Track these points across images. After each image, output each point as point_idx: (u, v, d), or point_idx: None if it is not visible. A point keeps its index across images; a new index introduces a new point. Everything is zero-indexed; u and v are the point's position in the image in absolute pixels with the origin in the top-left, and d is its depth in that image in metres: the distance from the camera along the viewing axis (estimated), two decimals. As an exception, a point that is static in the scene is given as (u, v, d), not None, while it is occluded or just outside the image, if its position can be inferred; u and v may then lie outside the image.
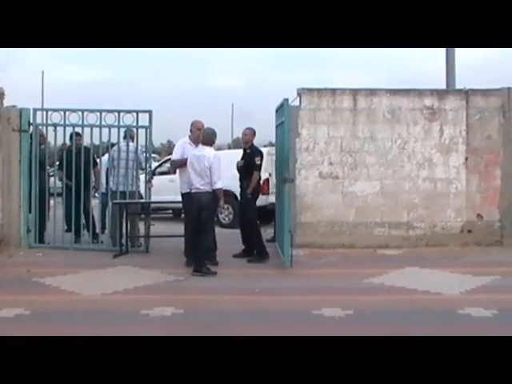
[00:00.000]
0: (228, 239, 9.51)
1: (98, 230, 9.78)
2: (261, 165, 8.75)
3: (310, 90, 9.78)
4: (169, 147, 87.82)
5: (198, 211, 7.76)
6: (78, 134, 9.54)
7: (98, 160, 9.85)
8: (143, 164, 9.58)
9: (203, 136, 7.92)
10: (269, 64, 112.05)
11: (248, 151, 8.83)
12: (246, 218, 8.77)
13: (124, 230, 9.16)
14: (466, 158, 9.80)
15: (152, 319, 5.62)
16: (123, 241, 9.12)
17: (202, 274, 7.53)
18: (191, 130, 8.49)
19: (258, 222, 8.96)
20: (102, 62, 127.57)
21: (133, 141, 9.50)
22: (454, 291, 6.81)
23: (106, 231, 9.79)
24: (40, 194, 9.38)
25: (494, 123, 9.81)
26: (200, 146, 7.88)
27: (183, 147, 8.45)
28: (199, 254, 7.71)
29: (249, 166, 8.67)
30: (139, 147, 9.54)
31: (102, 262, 8.39)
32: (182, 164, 8.28)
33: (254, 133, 8.98)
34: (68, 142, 9.65)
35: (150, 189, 9.39)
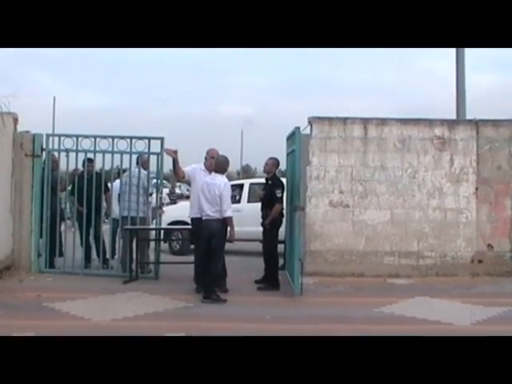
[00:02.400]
0: (237, 267, 9.51)
1: (108, 255, 9.81)
2: (282, 197, 8.69)
3: (321, 119, 9.87)
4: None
5: (208, 238, 7.79)
6: (90, 161, 9.62)
7: (109, 185, 9.92)
8: (149, 190, 9.61)
9: (216, 164, 7.98)
10: (278, 92, 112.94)
11: (269, 182, 8.80)
12: (265, 248, 8.77)
13: (134, 256, 9.18)
14: (477, 188, 9.81)
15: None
16: (133, 267, 9.13)
17: (211, 300, 7.52)
18: (206, 158, 8.53)
19: (277, 254, 8.92)
20: (111, 88, 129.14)
21: (145, 168, 9.56)
22: (465, 322, 6.77)
23: (116, 257, 9.81)
24: (51, 219, 9.44)
25: (503, 154, 9.84)
26: (213, 173, 7.94)
27: (195, 169, 8.54)
28: (209, 281, 7.71)
29: (270, 197, 8.65)
30: (145, 173, 9.57)
31: (112, 287, 8.40)
32: (179, 170, 8.48)
33: (276, 163, 9.00)
34: (80, 167, 9.72)
35: (160, 215, 9.43)
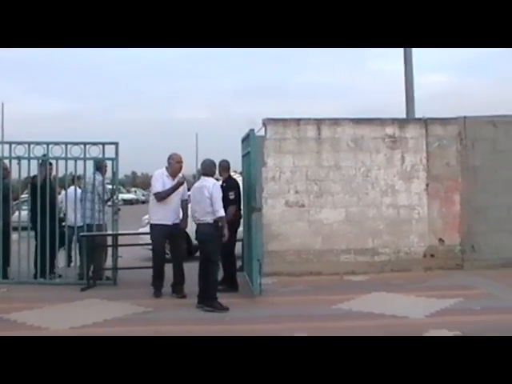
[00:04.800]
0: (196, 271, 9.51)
1: (64, 263, 9.69)
2: (236, 198, 8.70)
3: (275, 120, 9.98)
4: (133, 178, 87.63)
5: (201, 243, 7.77)
6: (49, 164, 9.48)
7: (63, 192, 9.80)
8: (102, 196, 9.50)
9: (203, 167, 7.92)
10: (232, 96, 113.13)
11: (224, 184, 8.76)
12: (222, 250, 8.77)
13: (91, 263, 9.09)
14: (427, 185, 10.09)
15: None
16: (91, 273, 9.05)
17: (213, 309, 7.32)
18: (170, 163, 8.37)
19: (235, 255, 8.95)
20: (64, 94, 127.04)
21: (102, 174, 9.47)
22: (420, 315, 6.97)
23: (73, 264, 9.69)
24: (4, 229, 9.26)
25: (452, 151, 10.16)
26: (201, 177, 7.90)
27: (163, 179, 8.31)
28: (210, 289, 7.52)
29: (224, 199, 8.64)
30: (100, 179, 9.48)
31: (70, 295, 8.31)
32: (167, 195, 8.22)
33: (226, 165, 9.00)
34: (36, 172, 9.50)
35: (117, 220, 9.37)
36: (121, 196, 41.91)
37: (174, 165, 8.36)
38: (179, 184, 8.28)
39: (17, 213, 10.08)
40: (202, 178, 7.87)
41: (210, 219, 7.57)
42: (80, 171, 9.50)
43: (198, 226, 7.73)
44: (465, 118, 10.19)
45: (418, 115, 11.58)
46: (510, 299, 7.75)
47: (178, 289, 8.22)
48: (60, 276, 9.50)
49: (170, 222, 8.26)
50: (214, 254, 7.63)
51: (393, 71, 18.39)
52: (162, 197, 8.17)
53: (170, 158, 8.42)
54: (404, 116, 12.05)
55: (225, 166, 8.96)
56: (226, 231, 7.61)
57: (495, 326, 6.30)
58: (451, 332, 6.10)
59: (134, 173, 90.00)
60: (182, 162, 8.41)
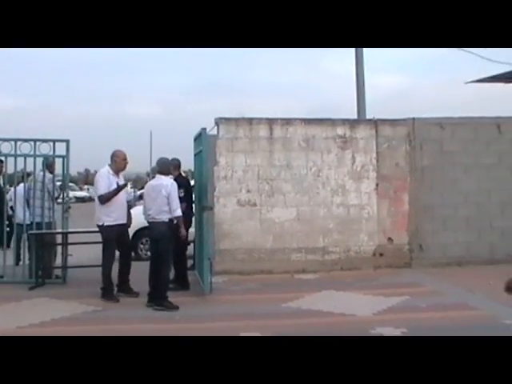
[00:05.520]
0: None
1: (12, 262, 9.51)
2: (186, 196, 8.67)
3: (228, 120, 10.02)
4: (86, 176, 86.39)
5: (155, 241, 7.74)
6: (0, 161, 9.32)
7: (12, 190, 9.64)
8: (52, 193, 9.37)
9: (159, 165, 7.89)
10: (188, 93, 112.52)
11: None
12: (174, 249, 8.77)
13: (40, 261, 8.96)
14: (377, 185, 10.29)
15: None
16: (40, 272, 8.92)
17: (163, 308, 7.31)
18: (115, 161, 8.25)
19: (186, 254, 8.95)
20: (17, 89, 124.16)
21: (51, 171, 9.34)
22: (367, 312, 7.13)
23: (21, 263, 9.53)
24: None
25: (401, 151, 10.38)
26: (157, 175, 7.86)
27: (108, 178, 8.15)
28: (160, 288, 7.50)
29: None
30: (50, 177, 9.35)
31: (17, 294, 8.19)
32: (112, 197, 8.07)
33: (177, 163, 8.95)
34: None
35: (67, 218, 9.26)
36: (73, 194, 41.47)
37: (119, 162, 8.27)
38: (121, 188, 8.21)
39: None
40: (158, 176, 7.86)
41: (165, 218, 7.58)
42: (29, 168, 9.34)
43: (152, 224, 7.72)
44: (413, 119, 10.43)
45: (376, 115, 11.71)
46: (455, 296, 8.00)
47: (126, 287, 8.18)
48: (1, 276, 9.30)
49: (123, 221, 8.23)
50: (166, 252, 7.62)
51: (348, 71, 18.64)
52: (105, 199, 8.01)
53: (113, 155, 8.29)
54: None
55: (175, 164, 8.94)
56: (182, 229, 7.74)
57: (439, 323, 6.54)
58: (397, 329, 6.28)
59: (87, 170, 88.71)
60: (126, 159, 8.34)
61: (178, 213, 7.61)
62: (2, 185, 9.49)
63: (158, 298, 7.46)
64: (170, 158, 8.53)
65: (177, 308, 7.35)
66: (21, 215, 9.35)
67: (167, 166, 7.99)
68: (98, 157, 8.14)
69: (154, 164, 8.46)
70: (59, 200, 9.70)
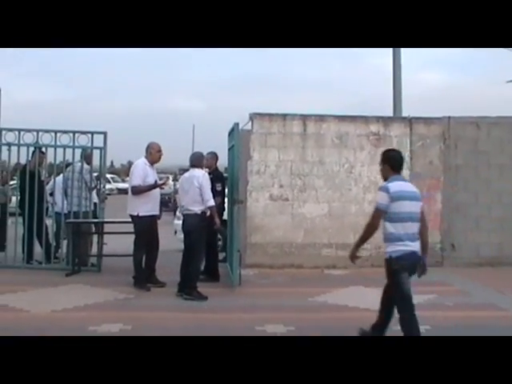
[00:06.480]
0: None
1: (52, 249, 9.85)
2: (222, 190, 8.87)
3: (262, 115, 10.15)
4: (129, 168, 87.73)
5: (187, 233, 7.90)
6: (42, 152, 9.65)
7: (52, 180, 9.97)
8: (90, 184, 9.66)
9: (192, 160, 8.11)
10: (230, 87, 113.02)
11: (211, 176, 8.72)
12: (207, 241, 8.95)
13: (77, 249, 9.27)
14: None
15: (99, 335, 5.79)
16: (76, 260, 9.23)
17: (192, 298, 7.48)
18: (151, 153, 8.43)
19: (217, 245, 9.13)
20: (65, 81, 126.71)
21: (88, 162, 9.63)
22: (393, 309, 7.16)
23: (60, 250, 9.86)
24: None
25: (435, 150, 10.33)
26: (190, 168, 8.06)
27: (144, 170, 8.31)
28: (191, 278, 7.67)
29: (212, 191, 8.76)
30: (87, 167, 9.65)
31: (54, 280, 8.49)
32: (146, 191, 8.22)
33: (214, 157, 9.12)
34: (27, 160, 9.64)
35: (103, 208, 9.55)
36: (116, 185, 42.14)
37: (154, 154, 8.45)
38: (158, 185, 8.40)
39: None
40: (191, 169, 8.05)
41: (197, 209, 7.73)
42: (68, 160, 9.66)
43: (185, 216, 7.90)
44: (449, 118, 10.37)
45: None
46: (483, 297, 7.97)
47: (152, 277, 8.37)
48: (41, 263, 9.66)
49: (156, 213, 8.45)
50: (198, 244, 7.76)
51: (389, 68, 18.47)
52: (138, 191, 8.17)
53: (148, 147, 8.46)
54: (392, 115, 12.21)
55: (212, 157, 9.11)
56: (216, 219, 7.85)
57: (463, 321, 6.56)
58: (421, 326, 6.28)
59: (130, 162, 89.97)
60: (161, 151, 8.51)
61: (211, 203, 7.73)
62: (42, 175, 9.81)
63: (187, 288, 7.63)
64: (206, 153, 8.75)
65: (206, 298, 7.51)
66: (60, 204, 9.68)
67: (200, 159, 8.16)
68: (141, 150, 8.29)
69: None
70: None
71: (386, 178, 5.50)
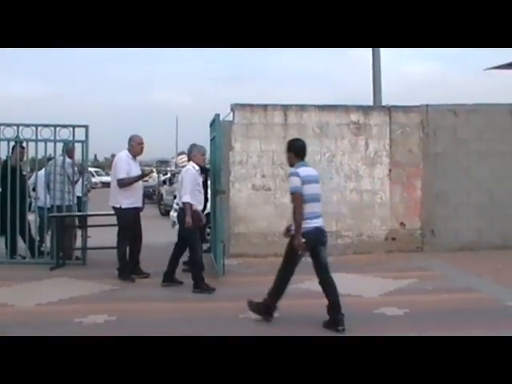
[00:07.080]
0: (166, 251, 9.74)
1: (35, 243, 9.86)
2: (205, 181, 8.78)
3: (243, 106, 10.22)
4: (113, 161, 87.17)
5: (180, 226, 7.92)
6: (22, 147, 9.63)
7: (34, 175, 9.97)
8: (72, 178, 9.66)
9: (189, 153, 8.20)
10: (215, 80, 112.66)
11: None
12: None
13: (61, 243, 9.29)
14: (390, 170, 10.42)
15: (85, 326, 5.87)
16: (60, 253, 9.26)
17: (200, 290, 7.49)
18: (132, 145, 8.45)
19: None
20: (50, 76, 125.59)
21: (70, 156, 9.64)
22: (374, 294, 7.33)
23: (44, 245, 9.88)
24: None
25: (414, 138, 10.48)
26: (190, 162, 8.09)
27: (128, 163, 8.35)
28: (195, 272, 7.68)
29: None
30: (69, 161, 9.66)
31: (38, 274, 8.51)
32: (133, 183, 8.29)
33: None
34: (7, 155, 9.62)
35: (86, 202, 9.58)
36: (100, 179, 41.94)
37: (136, 146, 8.47)
38: (145, 175, 8.45)
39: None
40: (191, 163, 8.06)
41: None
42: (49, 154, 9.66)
43: (179, 209, 7.96)
44: (427, 106, 10.51)
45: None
46: (462, 280, 8.15)
47: (136, 269, 8.43)
48: (24, 257, 9.69)
49: (140, 205, 8.50)
50: (190, 237, 7.74)
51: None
52: (125, 184, 8.21)
53: (130, 139, 8.48)
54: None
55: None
56: (187, 217, 7.52)
57: (441, 305, 6.71)
58: (400, 310, 6.47)
59: (113, 155, 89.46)
60: (143, 143, 8.54)
61: (185, 199, 7.58)
62: (23, 170, 9.80)
63: (194, 281, 7.61)
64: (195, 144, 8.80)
65: (213, 290, 7.51)
66: (43, 198, 9.69)
67: (189, 153, 8.25)
68: (125, 143, 8.30)
69: (179, 150, 8.66)
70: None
71: (292, 165, 6.16)
